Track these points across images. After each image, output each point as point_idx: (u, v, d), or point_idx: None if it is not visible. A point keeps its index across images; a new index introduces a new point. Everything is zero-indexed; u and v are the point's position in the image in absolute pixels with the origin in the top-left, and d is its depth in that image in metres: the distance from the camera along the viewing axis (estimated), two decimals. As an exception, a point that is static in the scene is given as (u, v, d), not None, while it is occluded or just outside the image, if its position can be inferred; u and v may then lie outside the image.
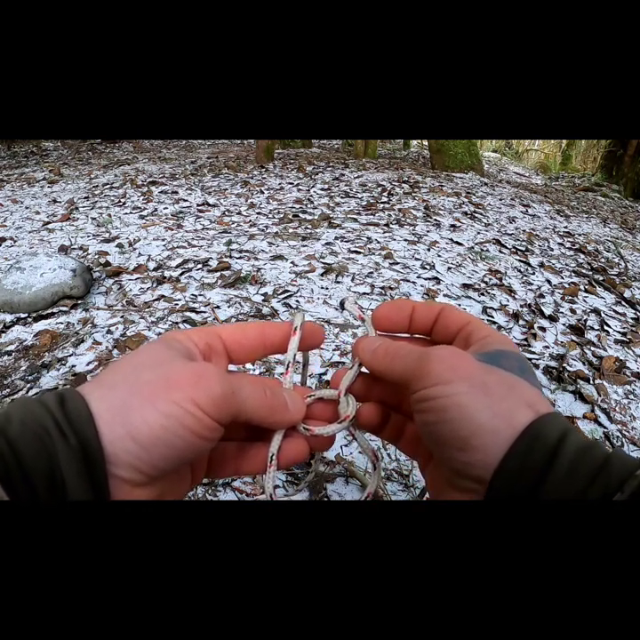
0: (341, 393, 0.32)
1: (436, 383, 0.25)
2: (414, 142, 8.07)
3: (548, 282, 2.24)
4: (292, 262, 2.21)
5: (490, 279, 2.18)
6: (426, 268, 2.22)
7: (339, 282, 2.03)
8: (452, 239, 2.64)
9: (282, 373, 0.32)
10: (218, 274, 2.06)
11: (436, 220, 2.97)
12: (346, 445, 1.17)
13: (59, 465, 0.22)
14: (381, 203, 3.27)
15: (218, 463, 0.31)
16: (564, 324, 1.84)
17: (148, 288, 1.94)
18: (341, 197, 3.39)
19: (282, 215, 2.93)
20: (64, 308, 1.76)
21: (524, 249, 2.64)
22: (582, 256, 2.71)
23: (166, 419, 0.24)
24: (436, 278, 2.12)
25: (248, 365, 1.36)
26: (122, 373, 0.26)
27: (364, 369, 0.33)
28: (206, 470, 0.31)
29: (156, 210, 2.99)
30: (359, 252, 2.35)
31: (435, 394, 0.25)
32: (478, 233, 2.83)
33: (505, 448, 0.23)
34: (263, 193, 3.46)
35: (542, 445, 0.23)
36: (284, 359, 0.32)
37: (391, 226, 2.78)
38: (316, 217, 2.90)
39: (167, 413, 0.24)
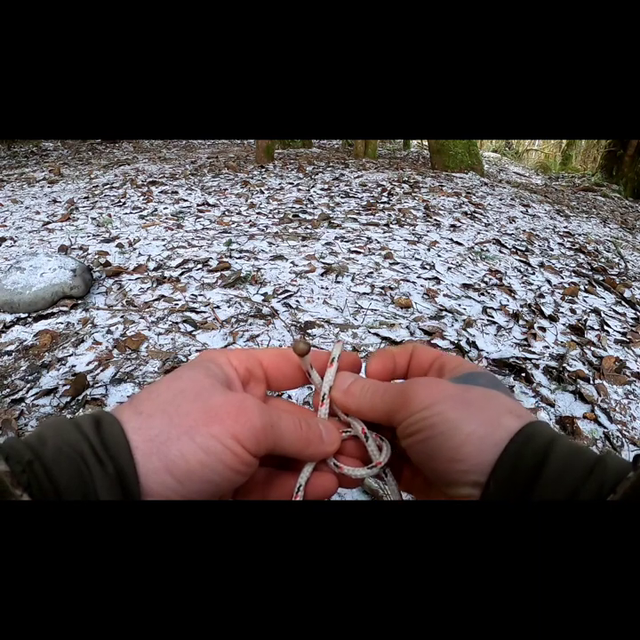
0: (365, 430, 0.30)
1: (421, 408, 0.26)
2: (414, 142, 8.06)
3: (548, 282, 2.24)
4: (292, 262, 2.21)
5: (490, 279, 2.18)
6: (426, 268, 2.22)
7: (339, 282, 2.03)
8: (451, 239, 2.64)
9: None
10: (218, 274, 2.06)
11: (435, 220, 2.97)
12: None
13: (95, 492, 0.22)
14: (381, 203, 3.27)
15: (245, 488, 0.30)
16: (563, 324, 1.85)
17: (148, 288, 1.94)
18: (341, 197, 3.39)
19: (282, 215, 2.93)
20: (64, 308, 1.76)
21: (524, 249, 2.64)
22: (582, 256, 2.71)
23: (205, 454, 0.23)
24: (436, 278, 2.12)
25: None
26: (160, 401, 0.25)
27: None
28: (233, 494, 0.31)
29: (156, 210, 3.00)
30: (359, 252, 2.35)
31: (421, 416, 0.26)
32: (478, 233, 2.83)
33: (495, 451, 0.24)
34: (263, 193, 3.46)
35: (534, 446, 0.23)
36: (321, 391, 0.31)
37: (391, 226, 2.78)
38: (315, 217, 2.90)
39: (206, 449, 0.23)
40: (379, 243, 2.50)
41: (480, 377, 0.29)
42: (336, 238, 2.54)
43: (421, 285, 2.04)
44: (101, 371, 1.43)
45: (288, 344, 1.56)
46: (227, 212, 2.99)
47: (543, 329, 1.79)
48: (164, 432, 0.24)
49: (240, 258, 2.24)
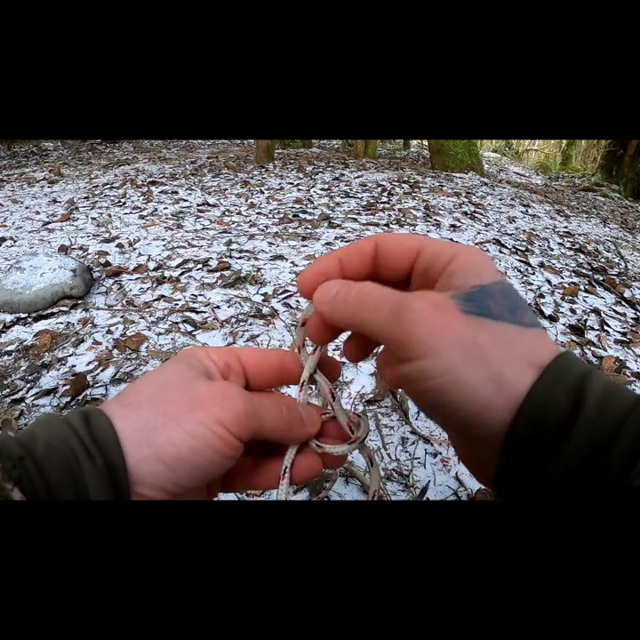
0: (349, 412, 0.32)
1: (423, 354, 0.21)
2: (414, 142, 8.06)
3: (548, 282, 2.24)
4: (292, 262, 2.21)
5: (490, 279, 2.18)
6: (426, 268, 2.22)
7: (339, 282, 2.03)
8: (452, 239, 2.64)
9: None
10: (218, 274, 2.06)
11: (435, 219, 2.97)
12: (346, 445, 1.16)
13: (85, 487, 0.22)
14: (381, 203, 3.27)
15: (232, 478, 0.31)
16: (564, 324, 1.84)
17: (148, 288, 1.94)
18: (341, 197, 3.38)
19: (282, 215, 2.93)
20: (64, 308, 1.76)
21: (523, 249, 2.64)
22: (582, 256, 2.71)
23: (193, 439, 0.24)
24: (436, 278, 2.12)
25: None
26: (146, 393, 0.26)
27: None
28: (221, 485, 0.31)
29: (156, 210, 3.00)
30: (359, 252, 2.35)
31: (426, 372, 0.22)
32: (478, 233, 2.83)
33: (511, 417, 0.21)
34: (263, 193, 3.46)
35: (553, 408, 0.21)
36: (301, 378, 0.32)
37: (391, 226, 2.78)
38: (315, 217, 2.90)
39: (194, 434, 0.24)
40: (379, 243, 2.50)
41: (494, 297, 0.23)
42: (336, 238, 2.54)
43: (421, 285, 2.04)
44: (101, 371, 1.43)
45: (288, 344, 1.56)
46: (227, 212, 2.99)
47: (543, 329, 1.79)
48: (151, 421, 0.24)
49: (240, 258, 2.24)
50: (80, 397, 1.32)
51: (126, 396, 0.26)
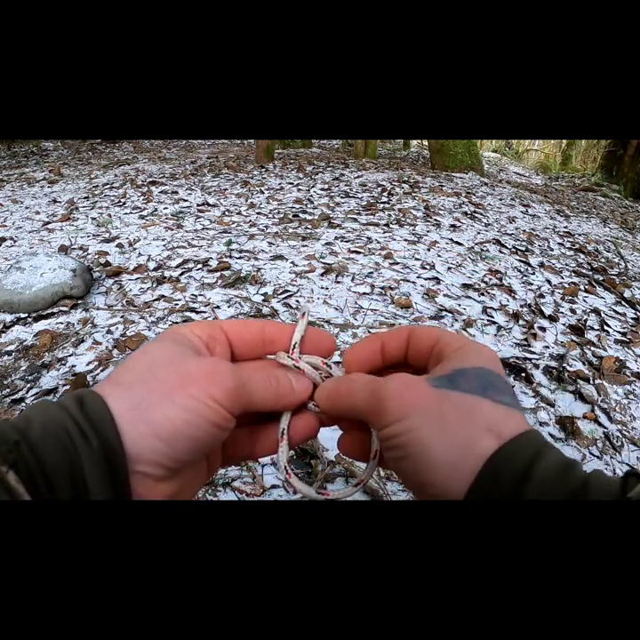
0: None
1: (395, 420, 0.25)
2: (414, 142, 8.06)
3: (548, 282, 2.24)
4: (292, 262, 2.21)
5: (490, 279, 2.18)
6: (426, 268, 2.22)
7: (339, 282, 2.03)
8: (451, 239, 2.64)
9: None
10: (218, 274, 2.06)
11: (435, 219, 2.97)
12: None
13: (81, 468, 0.22)
14: (381, 203, 3.27)
15: (231, 450, 0.32)
16: (563, 324, 1.85)
17: (147, 288, 1.94)
18: (341, 197, 3.39)
19: (282, 215, 2.93)
20: (64, 308, 1.76)
21: (524, 249, 2.64)
22: (582, 256, 2.71)
23: (187, 413, 0.24)
24: (436, 278, 2.12)
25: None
26: (136, 372, 0.26)
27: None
28: (222, 459, 0.32)
29: (156, 210, 3.00)
30: (359, 252, 2.35)
31: (395, 431, 0.25)
32: (478, 233, 2.83)
33: (467, 480, 0.23)
34: (263, 193, 3.46)
35: (511, 470, 0.22)
36: (292, 341, 0.32)
37: (391, 226, 2.78)
38: (315, 217, 2.90)
39: (187, 408, 0.24)
40: (379, 243, 2.50)
41: (466, 376, 0.26)
42: (336, 238, 2.54)
43: (421, 285, 2.04)
44: (101, 371, 1.43)
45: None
46: (227, 212, 2.99)
47: (543, 329, 1.79)
48: (145, 399, 0.25)
49: (240, 258, 2.24)
50: (80, 397, 1.32)
51: (117, 375, 0.26)
